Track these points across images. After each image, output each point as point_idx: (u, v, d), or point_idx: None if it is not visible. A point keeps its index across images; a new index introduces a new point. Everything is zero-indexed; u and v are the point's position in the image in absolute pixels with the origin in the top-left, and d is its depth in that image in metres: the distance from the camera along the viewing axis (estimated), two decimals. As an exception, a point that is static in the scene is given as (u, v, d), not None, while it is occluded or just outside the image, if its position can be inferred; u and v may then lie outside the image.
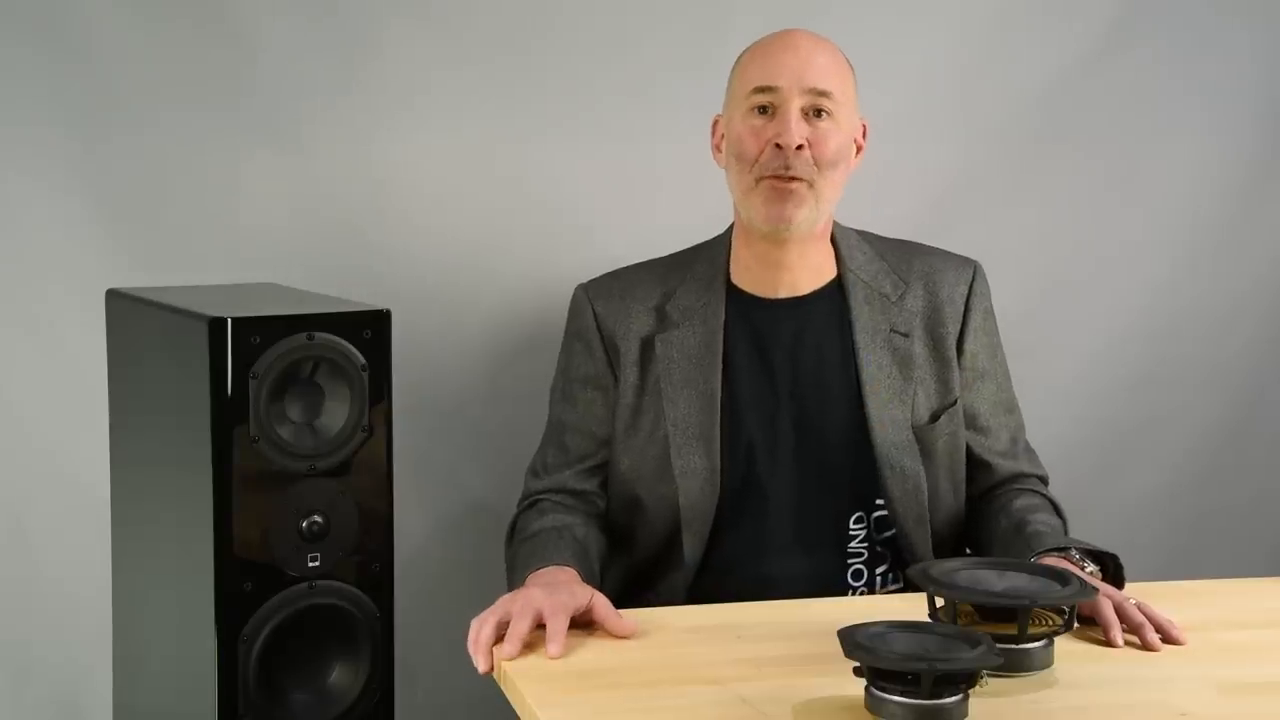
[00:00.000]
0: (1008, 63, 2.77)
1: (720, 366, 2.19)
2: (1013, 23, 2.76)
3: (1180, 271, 2.89)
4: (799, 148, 2.11)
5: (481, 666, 1.81)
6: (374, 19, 2.52)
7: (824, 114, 2.14)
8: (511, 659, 1.77)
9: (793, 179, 2.12)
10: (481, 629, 1.83)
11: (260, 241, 2.51)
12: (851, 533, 2.20)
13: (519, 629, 1.80)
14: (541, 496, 2.25)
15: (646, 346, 2.22)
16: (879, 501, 2.20)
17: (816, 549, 2.19)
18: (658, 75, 2.62)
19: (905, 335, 2.22)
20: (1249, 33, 2.86)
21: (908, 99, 2.68)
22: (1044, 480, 2.31)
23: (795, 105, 2.13)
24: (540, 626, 1.82)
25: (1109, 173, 2.84)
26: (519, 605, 1.84)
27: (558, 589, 1.89)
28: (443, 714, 2.62)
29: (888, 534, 2.21)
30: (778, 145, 2.12)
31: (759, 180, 2.14)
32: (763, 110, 2.14)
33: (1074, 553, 2.01)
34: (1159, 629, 1.86)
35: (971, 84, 2.76)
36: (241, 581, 2.00)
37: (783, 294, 2.22)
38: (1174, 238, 2.88)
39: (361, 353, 2.04)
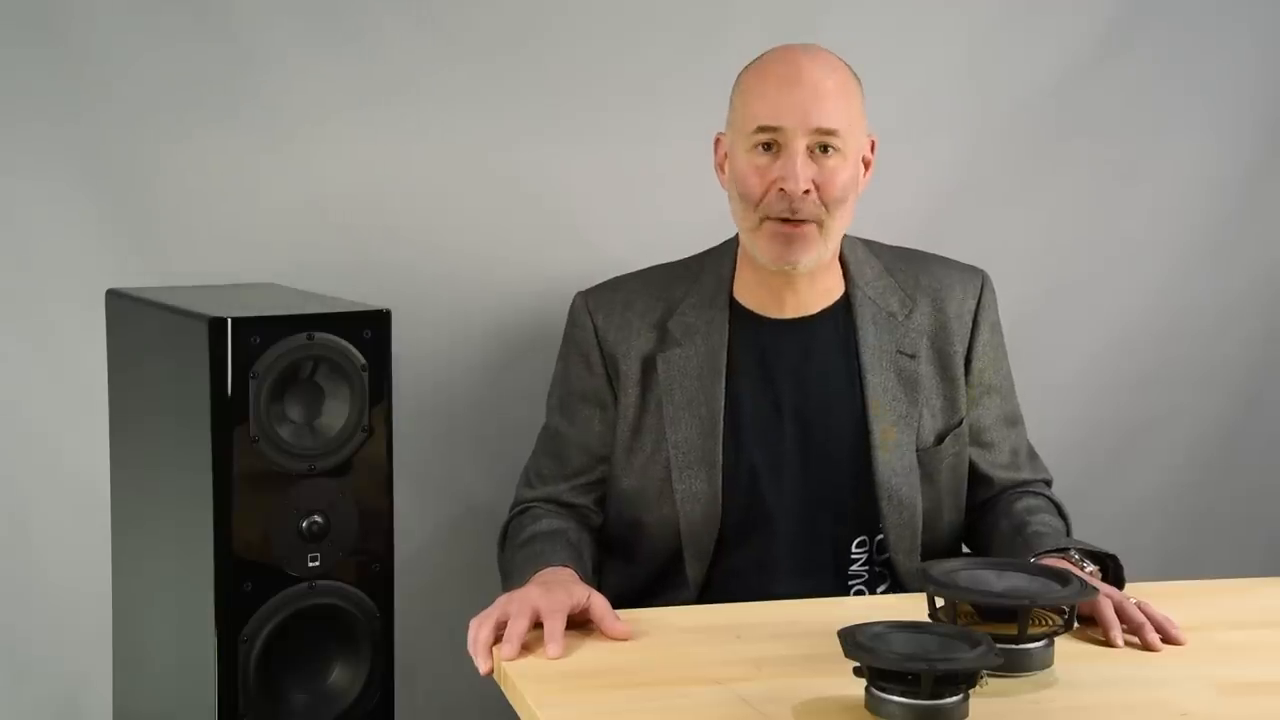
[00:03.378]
0: (1008, 64, 2.76)
1: (723, 387, 2.16)
2: (1013, 25, 2.76)
3: (1181, 272, 2.89)
4: (805, 191, 2.07)
5: (482, 667, 1.81)
6: (374, 19, 2.51)
7: (830, 149, 2.08)
8: (511, 659, 1.77)
9: (800, 222, 2.08)
10: (480, 630, 1.83)
11: (260, 241, 2.51)
12: (853, 556, 2.19)
13: (517, 628, 1.80)
14: (533, 505, 2.24)
15: (648, 365, 2.19)
16: (881, 524, 2.18)
17: (818, 572, 2.17)
18: (658, 75, 2.61)
19: (912, 356, 2.19)
20: (1249, 33, 2.86)
21: (908, 101, 2.68)
22: (1048, 483, 2.31)
23: (800, 145, 2.06)
24: (539, 626, 1.82)
25: (1109, 173, 2.84)
26: (516, 605, 1.84)
27: (554, 588, 1.89)
28: (443, 714, 2.62)
29: (888, 555, 2.19)
30: (782, 189, 2.07)
31: (763, 221, 2.10)
32: (766, 147, 2.09)
33: (1074, 553, 2.01)
34: (1159, 628, 1.86)
35: (972, 86, 2.75)
36: (241, 581, 2.00)
37: (789, 314, 2.19)
38: (1175, 238, 2.88)
39: (361, 353, 2.04)
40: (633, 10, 2.61)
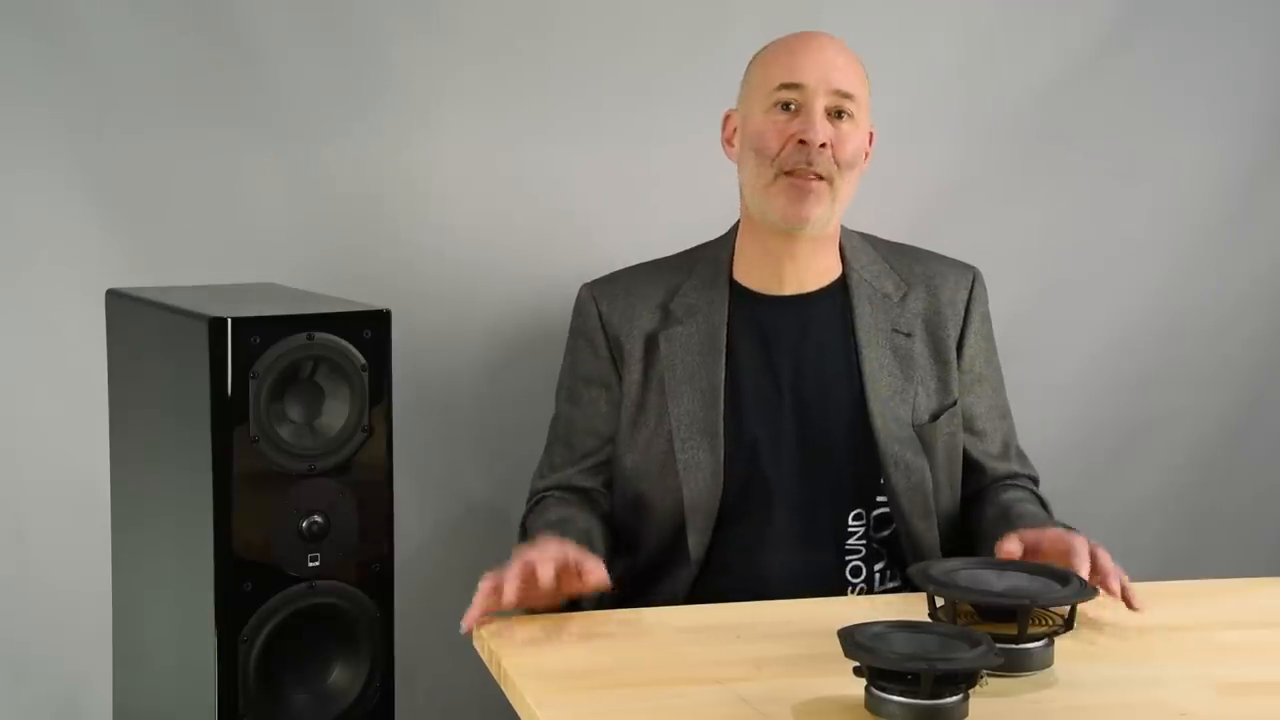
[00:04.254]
0: (1008, 63, 2.77)
1: (723, 362, 2.20)
2: (1013, 23, 2.76)
3: (1181, 271, 2.89)
4: (822, 145, 2.13)
5: (466, 623, 1.87)
6: (374, 20, 2.52)
7: (845, 115, 2.15)
8: (507, 605, 1.85)
9: (814, 176, 2.13)
10: (483, 586, 1.88)
11: (260, 241, 2.51)
12: (850, 529, 2.20)
13: (512, 584, 1.86)
14: (545, 494, 2.26)
15: (650, 343, 2.23)
16: (879, 499, 2.20)
17: (816, 545, 2.19)
18: (657, 75, 2.62)
19: (907, 335, 2.23)
20: (1249, 33, 2.86)
21: (908, 99, 2.68)
22: (1035, 480, 2.32)
23: (820, 104, 2.14)
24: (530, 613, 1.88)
25: (1109, 173, 2.84)
26: (511, 567, 1.89)
27: (547, 543, 1.93)
28: (443, 714, 2.62)
29: (885, 532, 2.21)
30: (801, 141, 2.13)
31: (778, 176, 2.15)
32: (786, 107, 2.15)
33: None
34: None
35: (972, 84, 2.76)
36: (241, 581, 2.00)
37: (788, 291, 2.22)
38: (1174, 238, 2.88)
39: (361, 353, 2.04)
40: (632, 10, 2.61)
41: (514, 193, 2.59)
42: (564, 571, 1.89)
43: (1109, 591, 1.89)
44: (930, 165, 2.74)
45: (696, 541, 2.19)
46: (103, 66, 2.42)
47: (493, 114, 2.57)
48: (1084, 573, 1.87)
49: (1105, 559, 1.92)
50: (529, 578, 1.86)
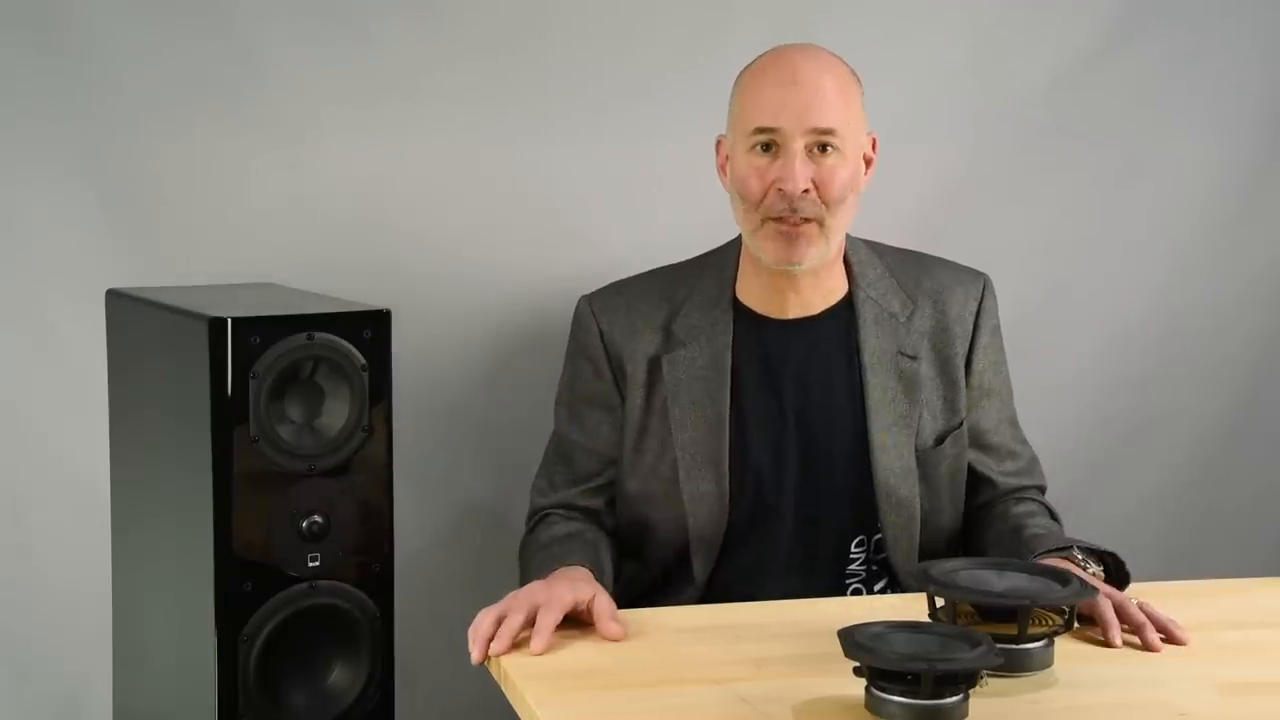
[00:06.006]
0: (1009, 63, 2.76)
1: (728, 388, 2.17)
2: (1014, 23, 2.76)
3: (1181, 271, 2.89)
4: (805, 191, 2.07)
5: (474, 656, 1.81)
6: (375, 19, 2.51)
7: (829, 149, 2.08)
8: (499, 654, 1.78)
9: (801, 220, 2.08)
10: (483, 621, 1.82)
11: (260, 241, 2.51)
12: (852, 555, 2.19)
13: (512, 624, 1.81)
14: (549, 511, 2.24)
15: (653, 366, 2.19)
16: (880, 525, 2.18)
17: (817, 571, 2.18)
18: (658, 75, 2.61)
19: (913, 358, 2.19)
20: (1250, 33, 2.86)
21: (908, 99, 2.68)
22: (1042, 490, 2.31)
23: (798, 145, 2.06)
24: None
25: (1110, 173, 2.84)
26: (518, 601, 1.84)
27: (559, 583, 1.89)
28: (443, 714, 2.62)
29: (885, 554, 2.20)
30: (781, 189, 2.07)
31: (764, 221, 2.10)
32: (765, 148, 2.09)
33: (1076, 552, 2.00)
34: (1161, 629, 1.85)
35: (972, 84, 2.75)
36: (241, 581, 2.01)
37: (792, 314, 2.19)
38: (1175, 238, 2.88)
39: (361, 353, 2.04)
40: (632, 10, 2.61)
41: (514, 192, 2.59)
42: (572, 613, 1.86)
43: (1147, 645, 1.83)
44: (930, 166, 2.73)
45: (701, 568, 2.18)
46: (103, 66, 2.42)
47: (494, 114, 2.57)
48: (1115, 637, 1.84)
49: (1134, 611, 1.86)
50: (531, 621, 1.82)
